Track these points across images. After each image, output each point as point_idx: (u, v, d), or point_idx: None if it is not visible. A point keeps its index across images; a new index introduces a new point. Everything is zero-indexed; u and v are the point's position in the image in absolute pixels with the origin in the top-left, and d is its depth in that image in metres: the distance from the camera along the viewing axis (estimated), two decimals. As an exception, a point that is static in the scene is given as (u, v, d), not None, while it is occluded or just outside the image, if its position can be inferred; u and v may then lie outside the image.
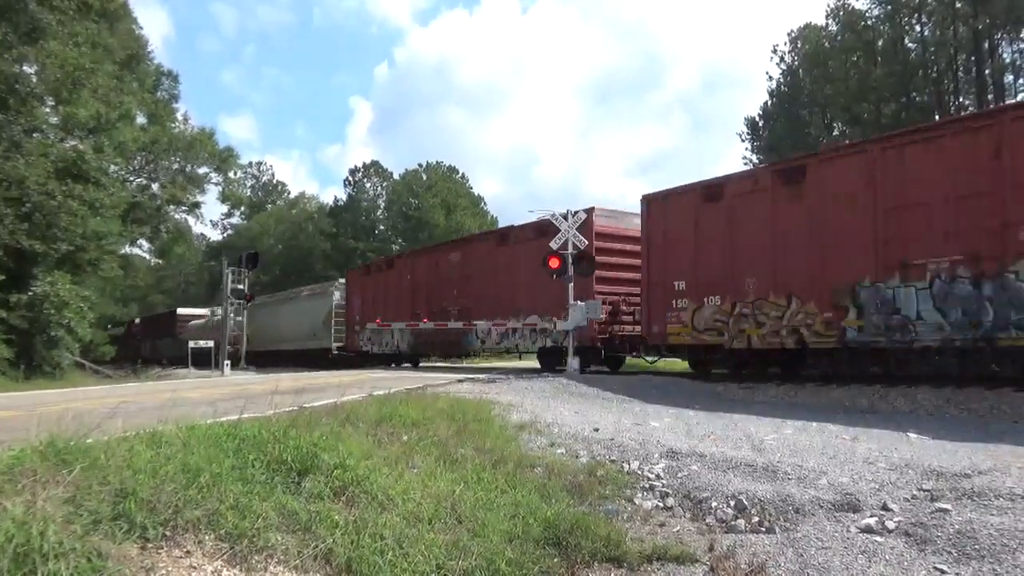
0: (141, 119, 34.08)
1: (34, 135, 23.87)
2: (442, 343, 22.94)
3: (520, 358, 25.40)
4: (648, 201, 15.57)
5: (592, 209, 16.95)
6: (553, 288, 16.63)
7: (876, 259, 11.33)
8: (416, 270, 24.11)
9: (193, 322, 43.80)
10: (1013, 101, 28.97)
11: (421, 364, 26.01)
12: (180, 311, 48.38)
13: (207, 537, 3.35)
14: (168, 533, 3.26)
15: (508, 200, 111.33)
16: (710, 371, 14.76)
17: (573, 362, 15.62)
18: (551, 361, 18.31)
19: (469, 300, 20.92)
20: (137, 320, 57.25)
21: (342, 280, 31.32)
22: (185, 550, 3.23)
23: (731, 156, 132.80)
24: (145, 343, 49.50)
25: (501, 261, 19.79)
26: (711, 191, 14.18)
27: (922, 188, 10.83)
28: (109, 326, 55.66)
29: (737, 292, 13.46)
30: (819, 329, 12.11)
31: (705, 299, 14.06)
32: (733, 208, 13.67)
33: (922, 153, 10.99)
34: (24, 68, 23.45)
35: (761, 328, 13.03)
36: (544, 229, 17.46)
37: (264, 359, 34.02)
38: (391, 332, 24.32)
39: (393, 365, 25.21)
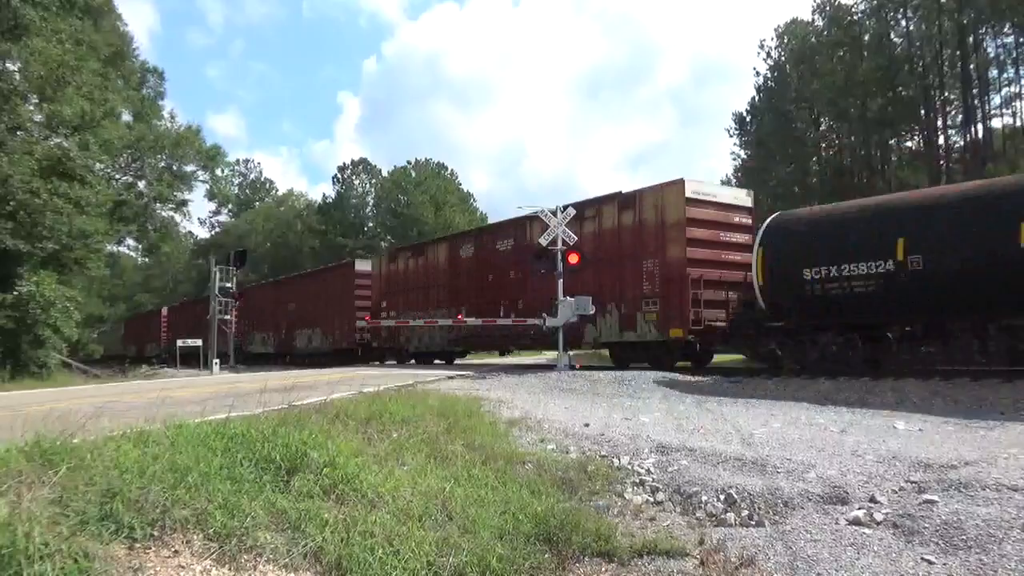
0: (127, 116, 33.76)
1: (18, 133, 23.60)
2: (499, 337, 21.33)
3: (519, 354, 25.23)
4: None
5: (681, 181, 15.33)
6: (638, 276, 15.49)
7: None
8: (459, 257, 22.30)
9: None
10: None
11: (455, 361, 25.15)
12: None
13: (195, 536, 3.33)
14: (156, 533, 3.24)
15: (498, 195, 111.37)
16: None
17: (563, 358, 15.66)
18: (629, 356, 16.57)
19: (527, 291, 19.00)
20: None
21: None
22: (173, 550, 3.21)
23: (720, 150, 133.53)
24: None
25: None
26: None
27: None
28: (107, 324, 56.29)
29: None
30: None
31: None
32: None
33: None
34: (7, 65, 23.21)
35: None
36: (627, 202, 16.09)
37: (253, 359, 33.86)
38: (434, 328, 22.47)
39: (419, 361, 24.72)
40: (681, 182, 15.29)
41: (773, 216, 13.95)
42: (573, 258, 15.45)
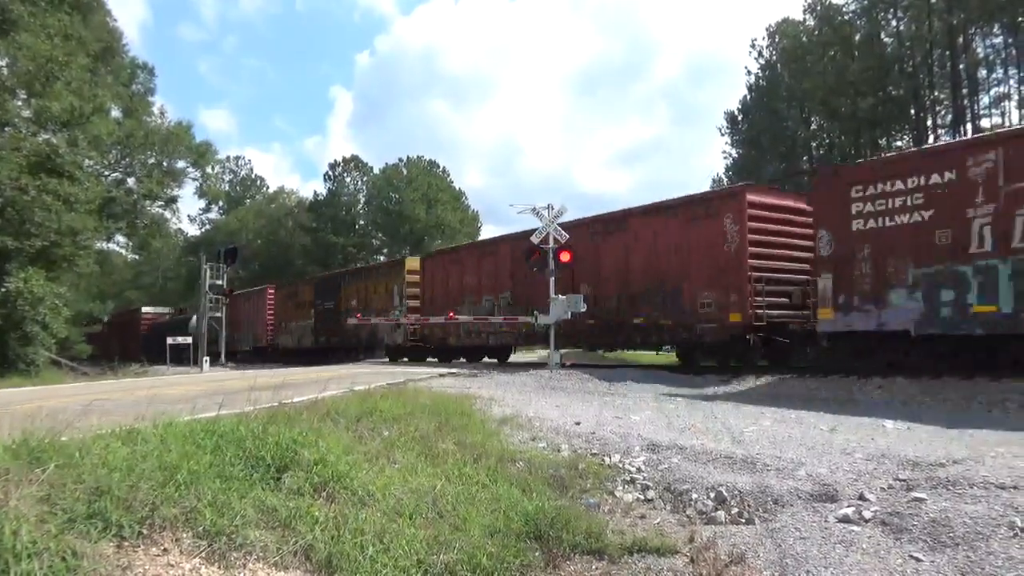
0: (116, 113, 33.47)
1: (6, 129, 23.42)
2: None
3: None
4: None
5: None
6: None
7: None
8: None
9: None
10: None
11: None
12: None
13: (185, 535, 3.31)
14: (145, 531, 3.21)
15: (491, 193, 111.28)
16: None
17: (555, 356, 15.66)
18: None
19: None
20: None
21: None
22: (162, 548, 3.19)
23: (714, 148, 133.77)
24: None
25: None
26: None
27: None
28: (105, 318, 55.80)
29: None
30: None
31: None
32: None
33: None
34: (-5, 60, 23.04)
35: None
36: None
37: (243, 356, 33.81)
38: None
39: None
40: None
41: None
42: (565, 256, 15.39)
